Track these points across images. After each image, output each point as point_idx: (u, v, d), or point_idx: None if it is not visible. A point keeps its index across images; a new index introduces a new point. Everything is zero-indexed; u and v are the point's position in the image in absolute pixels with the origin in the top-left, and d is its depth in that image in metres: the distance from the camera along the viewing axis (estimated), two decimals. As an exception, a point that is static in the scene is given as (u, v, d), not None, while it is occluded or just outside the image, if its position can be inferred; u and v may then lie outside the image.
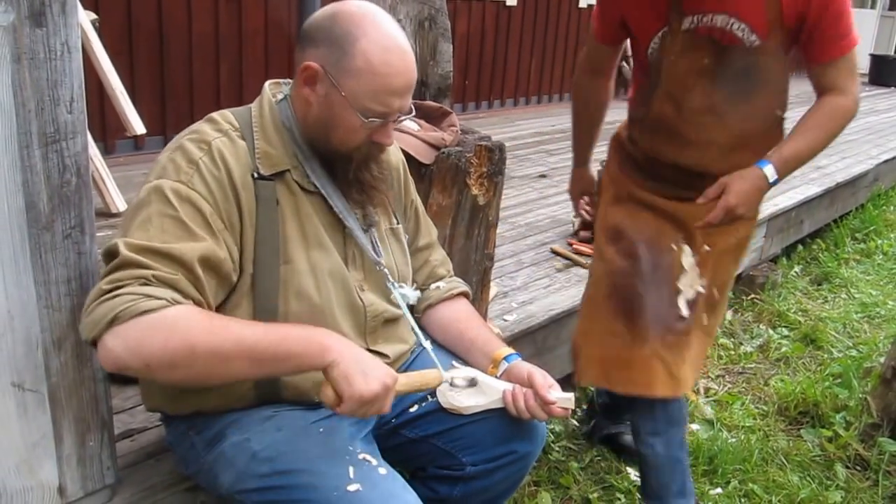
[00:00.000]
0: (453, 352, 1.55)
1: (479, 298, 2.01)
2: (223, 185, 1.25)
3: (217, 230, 1.22)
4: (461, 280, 1.65)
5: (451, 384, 1.42)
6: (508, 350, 1.49)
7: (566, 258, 3.21)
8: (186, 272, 1.17)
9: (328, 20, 1.28)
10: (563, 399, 1.39)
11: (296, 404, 1.36)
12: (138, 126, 2.98)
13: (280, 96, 1.37)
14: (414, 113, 1.90)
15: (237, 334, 1.14)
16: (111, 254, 1.16)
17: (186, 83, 4.36)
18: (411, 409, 1.50)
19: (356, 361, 1.18)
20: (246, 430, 1.31)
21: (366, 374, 1.18)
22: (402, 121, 1.36)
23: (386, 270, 1.42)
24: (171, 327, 1.11)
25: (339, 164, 1.35)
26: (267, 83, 1.40)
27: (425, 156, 1.77)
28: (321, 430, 1.32)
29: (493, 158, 1.87)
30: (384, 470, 1.27)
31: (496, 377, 1.46)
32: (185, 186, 1.22)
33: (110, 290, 1.12)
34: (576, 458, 2.44)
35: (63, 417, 1.29)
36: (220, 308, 1.26)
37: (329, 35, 1.26)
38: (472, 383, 1.43)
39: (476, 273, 1.97)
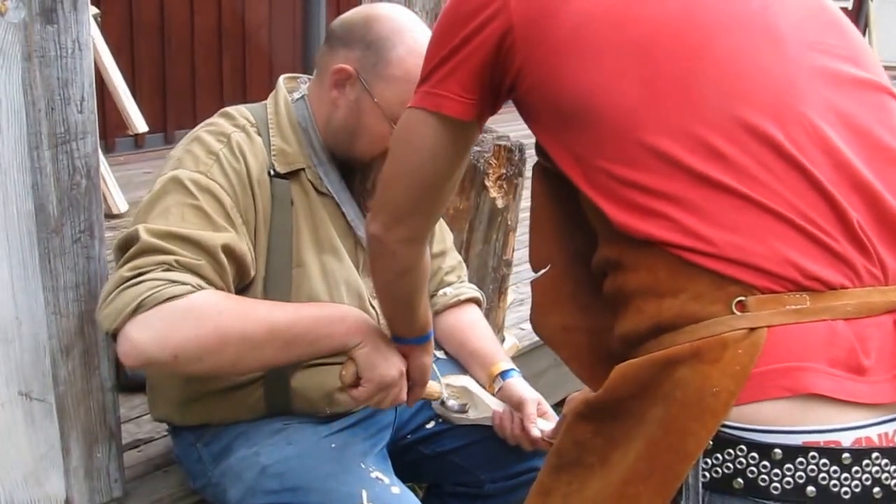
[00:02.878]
0: (457, 362, 1.55)
1: (496, 307, 2.01)
2: (242, 179, 1.25)
3: (237, 223, 1.22)
4: (472, 286, 1.64)
5: (444, 401, 1.43)
6: (506, 365, 1.48)
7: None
8: (210, 258, 1.16)
9: (364, 23, 1.28)
10: (551, 430, 1.36)
11: (306, 416, 1.36)
12: (140, 124, 2.99)
13: (297, 95, 1.37)
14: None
15: (268, 318, 1.14)
16: (130, 240, 1.15)
17: (188, 79, 4.38)
18: (427, 426, 1.49)
19: (380, 344, 1.22)
20: (255, 444, 1.31)
21: (386, 358, 1.22)
22: None
23: None
24: (201, 314, 1.10)
25: (358, 172, 1.35)
26: (282, 78, 1.40)
27: None
28: (333, 445, 1.32)
29: (513, 159, 1.87)
30: (397, 489, 1.27)
31: (494, 393, 1.45)
32: (205, 177, 1.21)
33: (132, 278, 1.10)
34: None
35: (71, 428, 1.30)
36: None
37: (365, 38, 1.27)
38: (463, 409, 1.44)
39: (493, 280, 1.97)
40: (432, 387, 1.41)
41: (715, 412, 0.72)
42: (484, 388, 1.48)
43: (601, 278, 0.89)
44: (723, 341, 0.73)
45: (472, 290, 1.61)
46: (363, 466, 1.29)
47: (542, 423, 1.38)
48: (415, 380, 1.32)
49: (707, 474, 0.74)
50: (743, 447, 0.72)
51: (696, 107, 0.78)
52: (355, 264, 1.38)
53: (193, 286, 1.11)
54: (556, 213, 0.99)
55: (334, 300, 1.32)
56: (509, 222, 1.94)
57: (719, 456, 0.73)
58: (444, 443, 1.49)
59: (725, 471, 0.73)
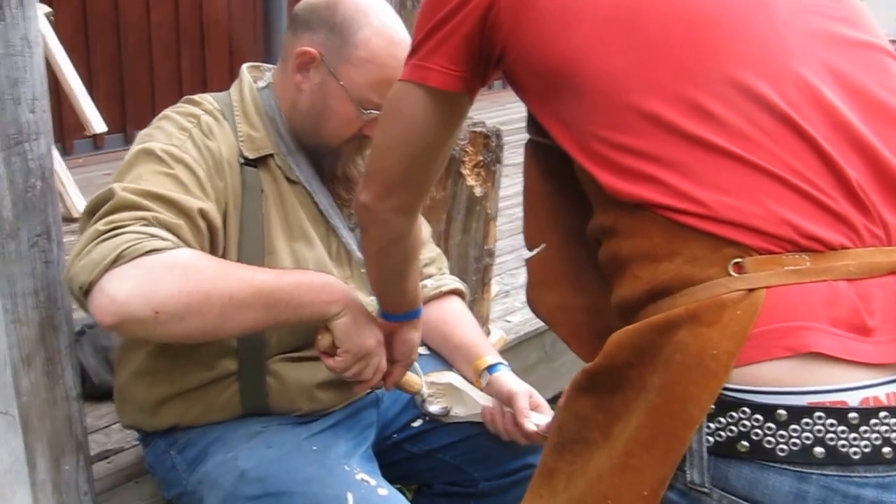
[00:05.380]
0: (440, 357, 1.54)
1: (479, 298, 2.00)
2: (216, 157, 1.25)
3: (210, 197, 1.22)
4: (454, 277, 1.63)
5: (424, 399, 1.41)
6: (493, 359, 1.46)
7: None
8: (189, 220, 1.15)
9: (328, 5, 1.29)
10: (546, 424, 1.33)
11: (284, 415, 1.34)
12: (98, 124, 2.95)
13: (262, 83, 1.37)
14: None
15: (252, 280, 1.13)
16: (103, 199, 1.13)
17: (146, 77, 4.33)
18: (414, 424, 1.48)
19: (359, 313, 1.23)
20: (232, 448, 1.29)
21: (365, 326, 1.23)
22: None
23: None
24: (185, 270, 1.07)
25: (327, 158, 1.35)
26: (245, 66, 1.40)
27: None
28: (314, 447, 1.30)
29: (490, 146, 1.86)
30: (384, 491, 1.25)
31: (481, 388, 1.43)
32: (178, 149, 1.21)
33: (108, 231, 1.07)
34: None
35: (36, 440, 1.27)
36: None
37: (329, 21, 1.27)
38: (445, 412, 1.42)
39: (476, 271, 1.96)
40: (412, 378, 1.39)
41: (716, 374, 0.72)
42: (471, 383, 1.45)
43: (596, 248, 0.89)
44: (720, 302, 0.73)
45: (454, 282, 1.60)
46: (347, 468, 1.27)
47: (536, 416, 1.35)
48: (400, 357, 1.32)
49: (711, 438, 0.74)
50: (746, 409, 0.73)
51: (686, 68, 0.78)
52: (328, 251, 1.37)
53: (174, 243, 1.09)
54: (549, 191, 1.00)
55: None
56: (489, 211, 1.93)
57: (722, 419, 0.73)
58: (434, 440, 1.47)
59: (729, 434, 0.73)
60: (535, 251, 1.01)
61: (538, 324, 2.49)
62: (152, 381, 1.31)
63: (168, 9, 4.34)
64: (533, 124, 0.96)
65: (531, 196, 1.03)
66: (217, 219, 1.21)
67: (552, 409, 1.36)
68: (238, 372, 1.30)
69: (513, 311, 2.58)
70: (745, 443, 0.73)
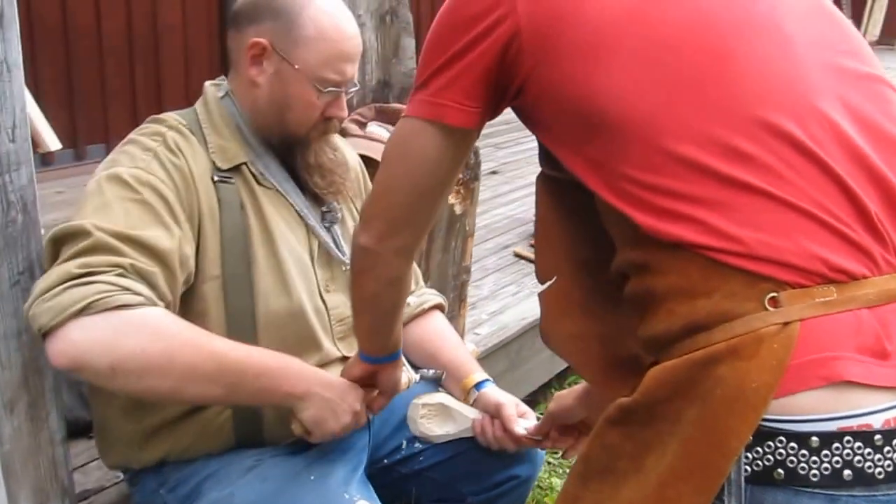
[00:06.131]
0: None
1: (457, 315, 2.00)
2: (184, 174, 1.24)
3: (181, 220, 1.20)
4: (432, 291, 1.65)
5: (420, 417, 1.43)
6: (480, 376, 1.50)
7: (531, 261, 3.23)
8: (164, 267, 1.14)
9: None
10: (535, 427, 1.39)
11: (277, 445, 1.33)
12: (53, 142, 2.82)
13: (220, 93, 1.36)
14: (375, 108, 1.87)
15: (219, 355, 1.13)
16: (75, 234, 1.10)
17: (98, 88, 4.19)
18: (402, 449, 1.50)
19: (326, 401, 1.22)
20: (228, 484, 1.26)
21: (335, 412, 1.23)
22: (351, 93, 1.38)
23: None
24: (154, 331, 1.07)
25: (297, 149, 1.35)
26: (207, 83, 1.40)
27: (379, 152, 1.74)
28: (312, 476, 1.29)
29: (468, 163, 1.86)
30: None
31: (470, 405, 1.47)
32: (144, 172, 1.20)
33: (82, 276, 1.06)
34: (557, 474, 2.46)
35: (19, 488, 1.22)
36: (183, 318, 1.20)
37: (271, 8, 1.29)
38: (444, 435, 1.44)
39: (454, 288, 1.96)
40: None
41: (755, 407, 0.75)
42: (458, 399, 1.48)
43: (620, 281, 0.90)
44: (758, 337, 0.76)
45: (435, 296, 1.62)
46: (347, 496, 1.27)
47: (523, 422, 1.40)
48: (386, 390, 1.33)
49: (748, 468, 0.77)
50: (782, 438, 0.76)
51: (715, 109, 0.80)
52: (309, 254, 1.37)
53: (146, 298, 1.08)
54: (563, 223, 1.01)
55: (293, 296, 1.31)
56: (467, 227, 1.94)
57: (759, 449, 0.77)
58: (422, 460, 1.49)
59: (766, 463, 0.77)
60: (548, 284, 1.02)
61: (505, 335, 2.53)
62: (141, 415, 1.28)
63: (120, 17, 4.21)
64: (545, 157, 0.96)
65: (545, 228, 1.03)
66: (187, 249, 1.20)
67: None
68: None
69: (480, 324, 2.60)
70: (780, 470, 0.76)
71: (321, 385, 1.23)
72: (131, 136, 1.29)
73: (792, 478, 0.75)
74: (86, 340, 1.03)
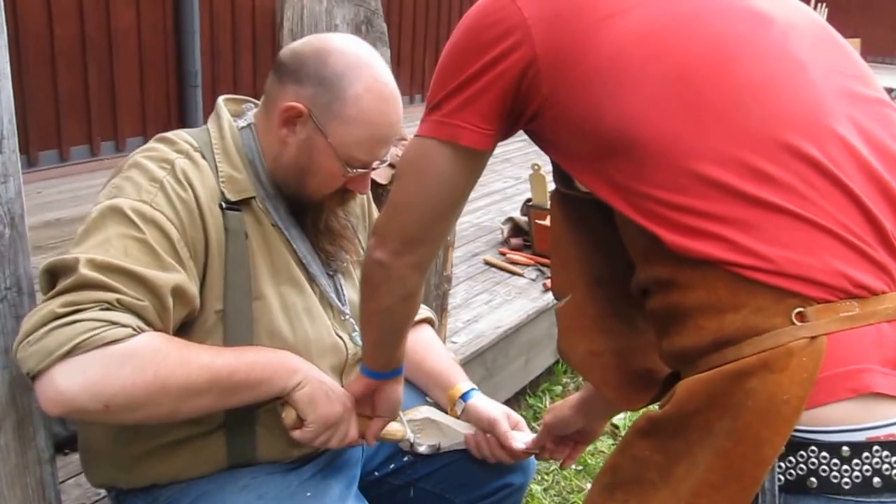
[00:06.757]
0: (413, 385, 1.54)
1: (440, 324, 1.99)
2: (191, 208, 1.19)
3: (184, 259, 1.16)
4: (423, 306, 1.63)
5: (412, 443, 1.44)
6: (466, 385, 1.49)
7: (501, 269, 3.24)
8: (155, 300, 1.10)
9: (317, 57, 1.24)
10: (532, 440, 1.41)
11: (270, 464, 1.30)
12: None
13: (242, 122, 1.32)
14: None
15: (210, 365, 1.12)
16: (65, 268, 1.07)
17: (50, 95, 4.07)
18: (393, 461, 1.49)
19: (320, 383, 1.21)
20: (221, 503, 1.23)
21: (328, 395, 1.22)
22: (377, 168, 1.34)
23: (353, 321, 1.39)
24: (142, 362, 1.05)
25: (309, 210, 1.32)
26: (221, 99, 1.35)
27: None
28: (308, 493, 1.28)
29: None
30: None
31: (457, 416, 1.47)
32: (149, 207, 1.15)
33: (66, 315, 1.03)
34: (537, 480, 2.48)
35: (6, 512, 1.18)
36: None
37: (318, 74, 1.23)
38: (436, 450, 1.45)
39: (436, 298, 1.96)
40: (394, 427, 1.40)
41: (787, 418, 0.79)
42: (446, 412, 1.48)
43: (639, 297, 0.93)
44: (788, 350, 0.79)
45: (425, 311, 1.62)
46: None
47: (519, 435, 1.41)
48: (383, 412, 1.32)
49: (782, 477, 0.81)
50: (814, 448, 0.79)
51: (739, 133, 0.83)
52: (316, 295, 1.34)
53: (134, 328, 1.06)
54: (577, 239, 1.03)
55: (297, 334, 1.28)
56: (449, 237, 1.94)
57: (792, 459, 0.80)
58: (414, 472, 1.49)
59: (799, 472, 0.80)
60: (565, 300, 1.04)
61: (481, 343, 2.54)
62: (132, 437, 1.24)
63: (73, 20, 4.10)
64: (560, 176, 0.98)
65: (560, 244, 1.06)
66: (192, 289, 1.16)
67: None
68: (226, 424, 1.25)
69: (456, 332, 2.61)
70: (813, 479, 0.80)
71: (315, 370, 1.23)
72: (138, 158, 1.22)
73: (825, 486, 0.79)
74: (73, 386, 1.01)
